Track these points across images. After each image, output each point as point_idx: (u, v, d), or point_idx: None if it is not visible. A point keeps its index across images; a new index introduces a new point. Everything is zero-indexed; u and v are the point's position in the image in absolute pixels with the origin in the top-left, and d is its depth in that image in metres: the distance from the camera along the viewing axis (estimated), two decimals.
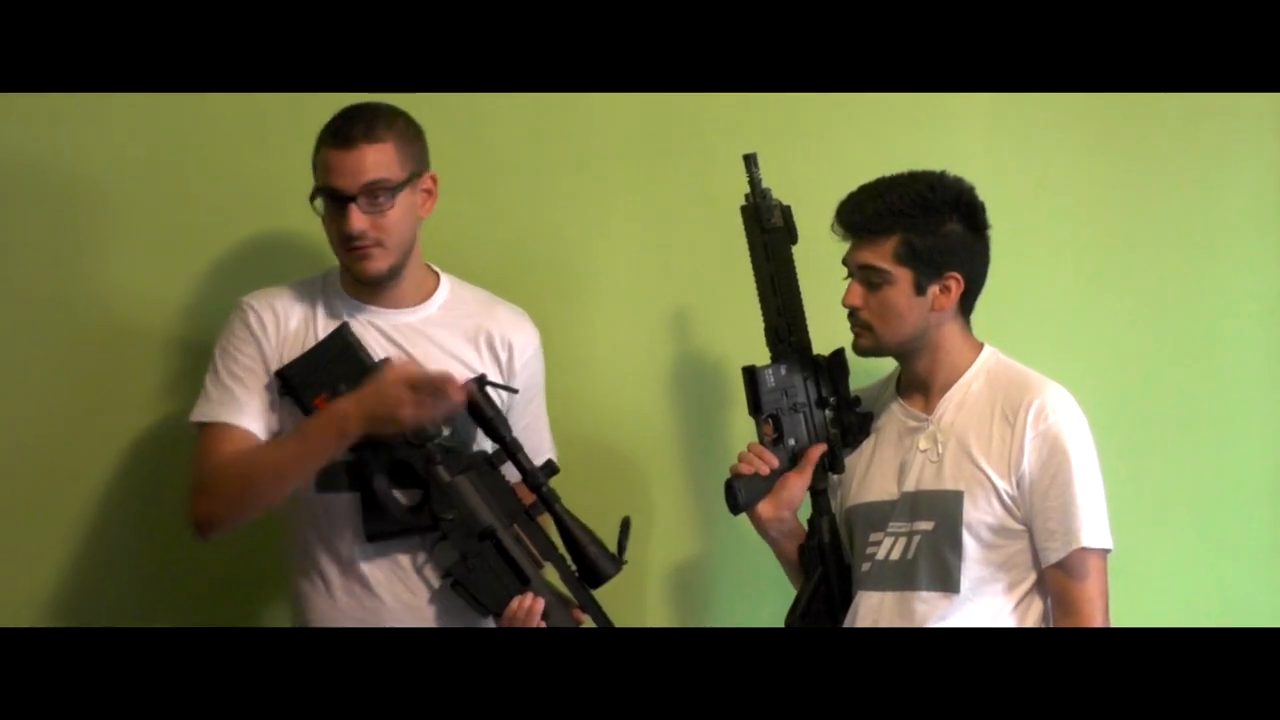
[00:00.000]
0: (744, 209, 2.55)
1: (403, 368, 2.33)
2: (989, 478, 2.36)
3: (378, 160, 2.35)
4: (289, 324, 2.41)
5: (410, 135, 2.41)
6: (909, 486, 2.42)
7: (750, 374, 2.53)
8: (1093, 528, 2.34)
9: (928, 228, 2.40)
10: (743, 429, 2.60)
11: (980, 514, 2.36)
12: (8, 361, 2.70)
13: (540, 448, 2.49)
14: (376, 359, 2.38)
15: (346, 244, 2.37)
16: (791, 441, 2.53)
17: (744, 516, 2.54)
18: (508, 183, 2.84)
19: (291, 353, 2.39)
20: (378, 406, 2.29)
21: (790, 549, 2.55)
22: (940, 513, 2.38)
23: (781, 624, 2.55)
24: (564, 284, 2.84)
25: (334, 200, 2.36)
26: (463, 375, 2.38)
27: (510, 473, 2.40)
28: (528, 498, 2.41)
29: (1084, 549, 2.33)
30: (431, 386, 2.30)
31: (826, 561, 2.51)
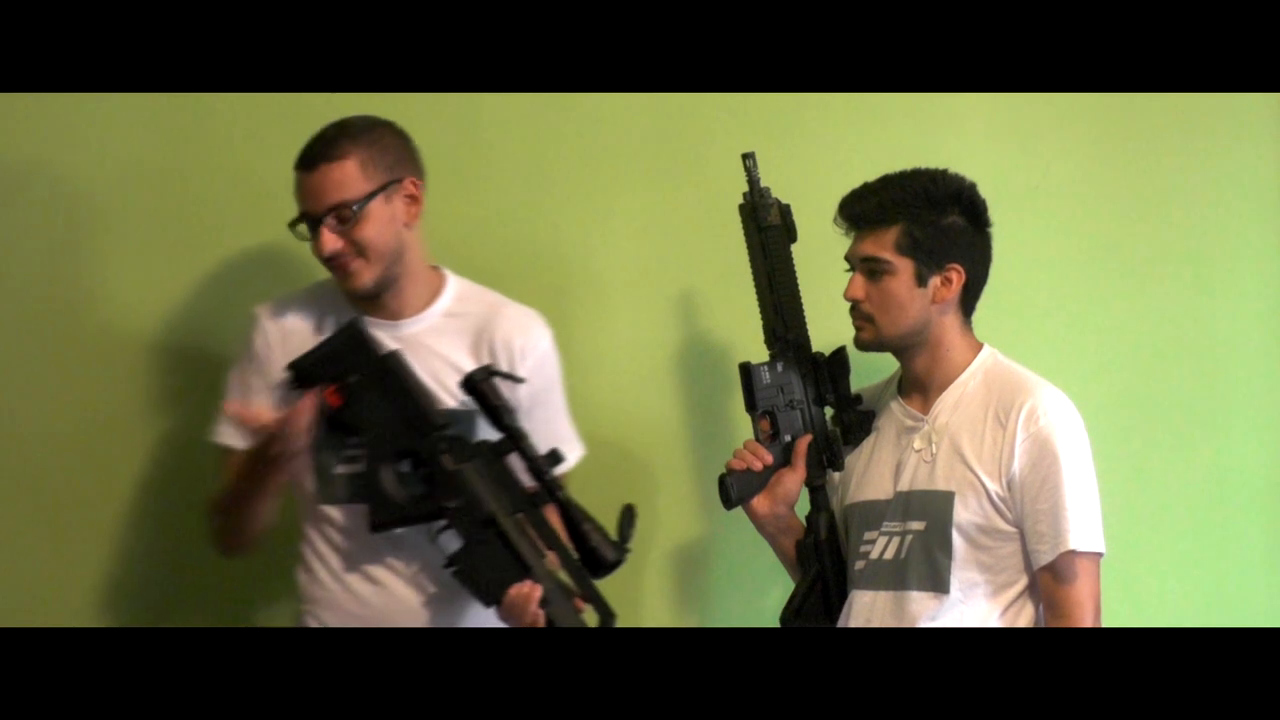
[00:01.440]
0: (742, 207, 2.56)
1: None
2: (979, 479, 2.37)
3: (338, 179, 2.36)
4: (299, 335, 2.42)
5: (381, 145, 2.39)
6: (903, 486, 2.43)
7: (745, 370, 2.54)
8: (1082, 531, 2.33)
9: (929, 219, 2.41)
10: (744, 425, 2.60)
11: (970, 515, 2.37)
12: (4, 364, 2.69)
13: (561, 446, 2.47)
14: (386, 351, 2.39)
15: (327, 264, 2.39)
16: (787, 438, 2.54)
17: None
18: (508, 183, 2.84)
19: None
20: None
21: (788, 545, 2.56)
22: (931, 513, 2.39)
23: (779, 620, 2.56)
24: (564, 283, 2.84)
25: (307, 223, 2.39)
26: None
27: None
28: (533, 488, 2.41)
29: (1072, 552, 2.33)
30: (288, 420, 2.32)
31: (823, 559, 2.52)
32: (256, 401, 2.39)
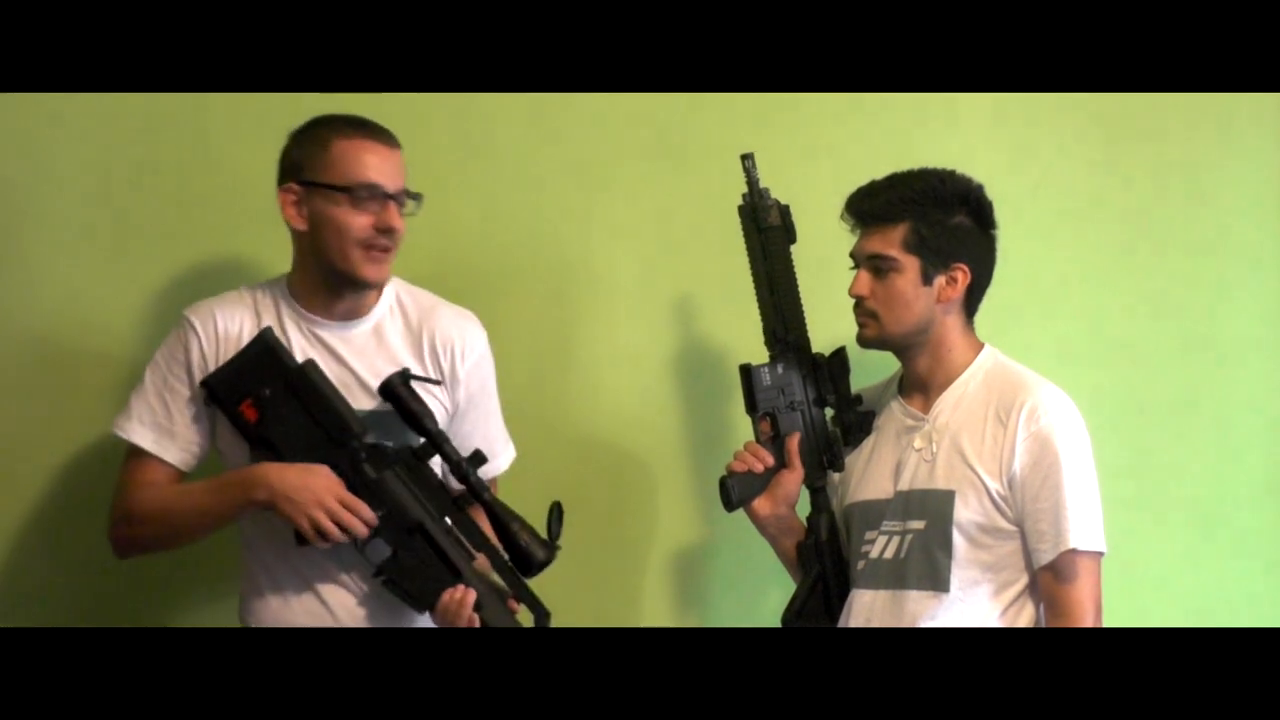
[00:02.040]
0: (741, 209, 2.56)
1: (338, 482, 2.32)
2: (980, 478, 2.37)
3: (404, 169, 2.38)
4: (232, 339, 2.39)
5: None
6: (903, 485, 2.43)
7: (746, 372, 2.54)
8: (1083, 530, 2.33)
9: (937, 218, 2.41)
10: (745, 427, 2.61)
11: (971, 514, 2.37)
12: None
13: (494, 448, 2.47)
14: (299, 361, 2.36)
15: (368, 242, 2.35)
16: (786, 439, 2.54)
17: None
18: (508, 183, 2.83)
19: None
20: (297, 494, 2.29)
21: (789, 546, 2.56)
22: (932, 512, 2.39)
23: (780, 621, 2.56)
24: (564, 284, 2.84)
25: (372, 196, 2.35)
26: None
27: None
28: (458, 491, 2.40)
29: (1073, 551, 2.32)
30: (353, 510, 2.30)
31: (824, 559, 2.52)
32: (177, 407, 2.36)
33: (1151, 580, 2.98)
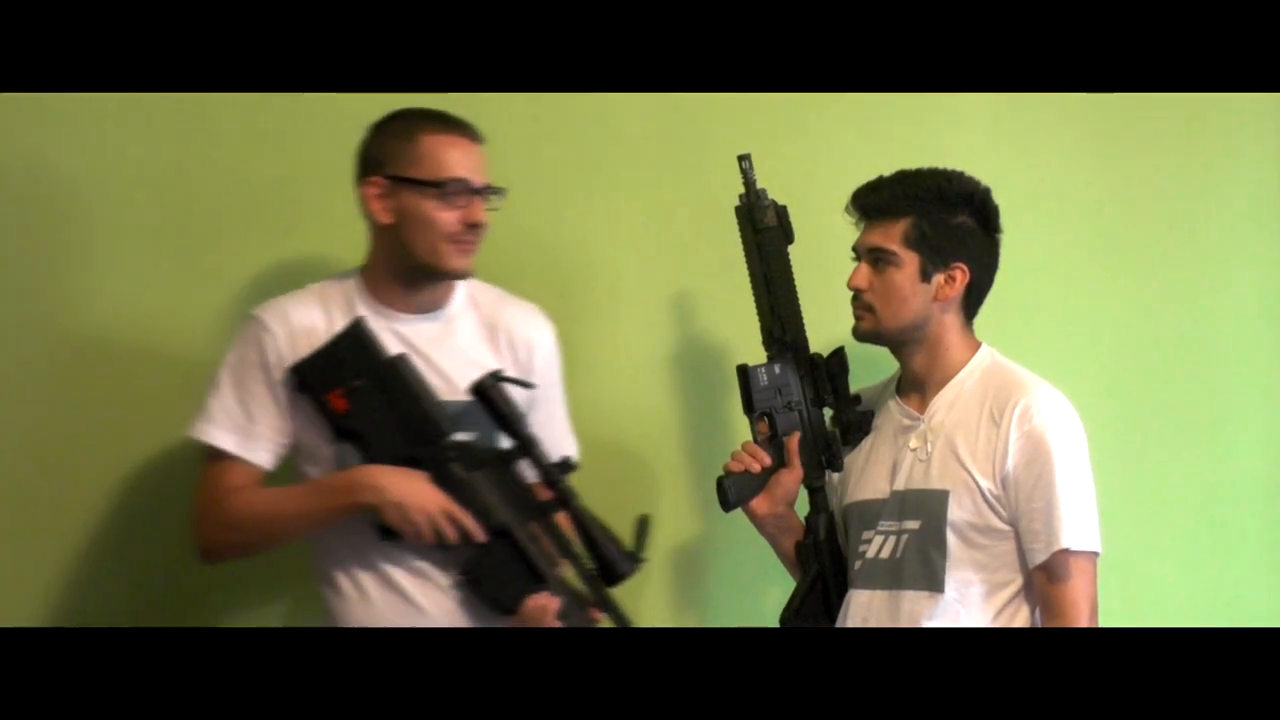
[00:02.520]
0: (738, 209, 2.57)
1: (440, 493, 2.31)
2: (974, 478, 2.36)
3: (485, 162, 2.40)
4: (307, 336, 2.36)
5: None
6: (899, 485, 2.43)
7: (742, 372, 2.55)
8: (1076, 529, 2.33)
9: (939, 216, 2.42)
10: (743, 427, 2.61)
11: (965, 514, 2.36)
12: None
13: (560, 445, 2.47)
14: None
15: (456, 237, 2.35)
16: (785, 439, 2.54)
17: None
18: (508, 183, 2.82)
19: None
20: (409, 499, 2.28)
21: (788, 546, 2.56)
22: (926, 512, 2.39)
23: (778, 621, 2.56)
24: (565, 284, 2.84)
25: (460, 191, 2.35)
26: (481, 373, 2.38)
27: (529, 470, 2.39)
28: (545, 495, 2.38)
29: (1066, 551, 2.32)
30: (461, 526, 2.31)
31: (822, 559, 2.52)
32: (257, 407, 2.34)
33: (1151, 580, 2.99)
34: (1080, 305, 2.99)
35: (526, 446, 2.35)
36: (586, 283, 2.86)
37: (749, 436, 2.57)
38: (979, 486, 2.36)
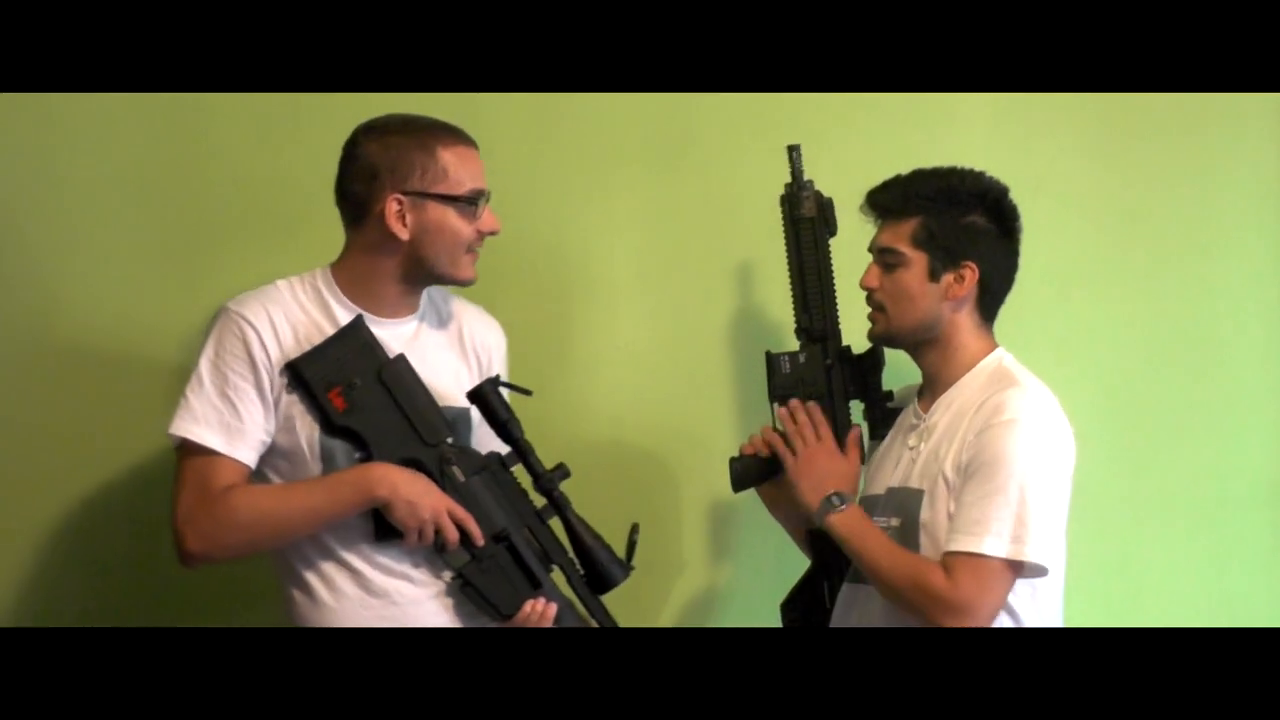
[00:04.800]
0: (781, 197, 2.56)
1: (445, 497, 2.31)
2: (946, 477, 2.35)
3: None
4: (289, 332, 2.34)
5: None
6: (893, 482, 2.43)
7: (767, 358, 2.53)
8: (973, 534, 2.26)
9: (949, 215, 2.40)
10: (746, 425, 2.61)
11: (935, 514, 2.35)
12: None
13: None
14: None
15: (474, 245, 2.38)
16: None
17: (762, 511, 2.57)
18: (509, 183, 2.82)
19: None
20: (419, 499, 2.28)
21: (799, 532, 2.56)
22: (905, 510, 2.39)
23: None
24: (565, 284, 2.84)
25: (477, 201, 2.37)
26: (459, 380, 2.39)
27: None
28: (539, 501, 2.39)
29: (954, 553, 2.26)
30: (464, 529, 2.31)
31: (827, 550, 2.51)
32: (243, 405, 2.31)
33: (1150, 580, 2.99)
34: (1080, 305, 2.99)
35: (524, 452, 2.36)
36: (587, 283, 2.86)
37: (748, 434, 2.57)
38: (949, 486, 2.35)
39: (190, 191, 2.73)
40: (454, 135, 2.38)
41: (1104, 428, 2.92)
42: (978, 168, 2.51)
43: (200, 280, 2.71)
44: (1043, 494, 2.28)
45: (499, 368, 2.48)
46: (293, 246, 2.71)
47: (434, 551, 2.32)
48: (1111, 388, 2.98)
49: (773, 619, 2.60)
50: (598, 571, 2.36)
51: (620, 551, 2.39)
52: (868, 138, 2.90)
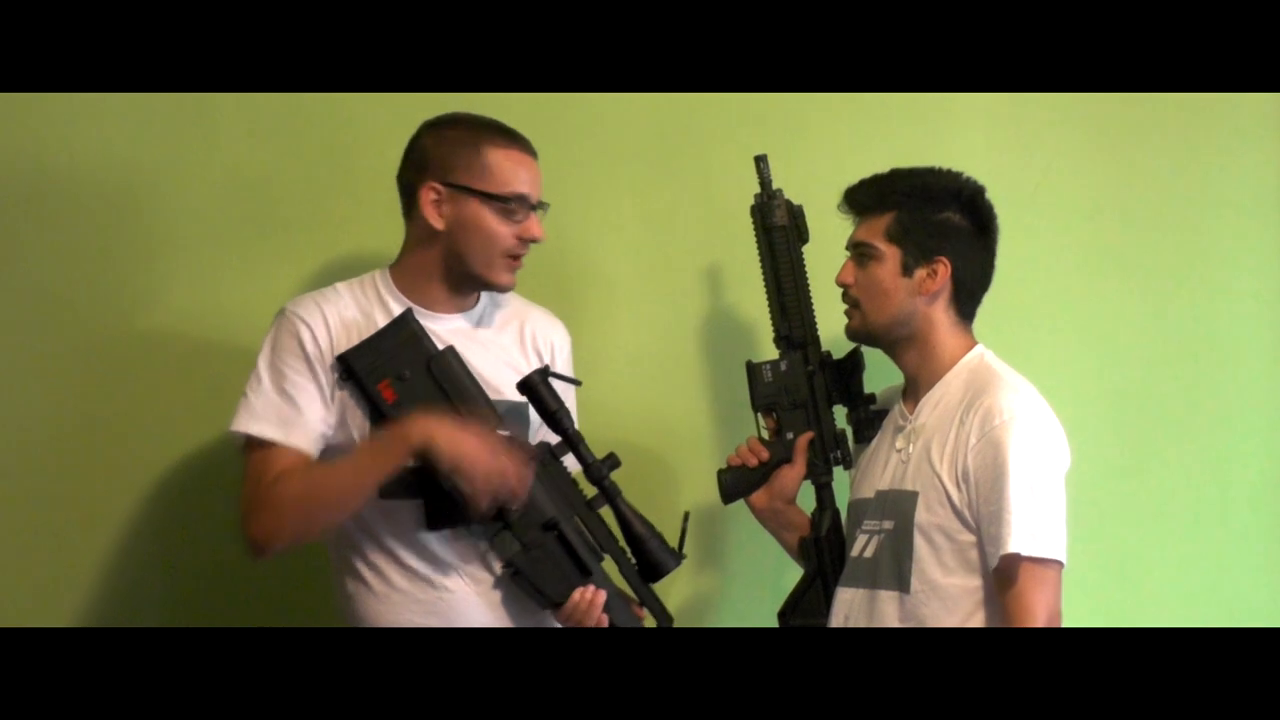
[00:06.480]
0: (752, 208, 2.58)
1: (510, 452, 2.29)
2: (940, 480, 2.35)
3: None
4: (343, 329, 2.36)
5: None
6: (883, 485, 2.44)
7: (748, 368, 2.56)
8: (1026, 535, 2.27)
9: (922, 211, 2.42)
10: (745, 426, 2.62)
11: (931, 516, 2.35)
12: (14, 364, 2.68)
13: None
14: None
15: (512, 251, 2.38)
16: (790, 435, 2.56)
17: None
18: None
19: None
20: (464, 442, 2.26)
21: (790, 540, 2.58)
22: (899, 513, 2.39)
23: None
24: (567, 284, 2.84)
25: (521, 207, 2.37)
26: (517, 375, 2.38)
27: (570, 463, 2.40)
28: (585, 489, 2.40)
29: (1016, 555, 2.27)
30: (520, 473, 2.29)
31: (822, 556, 2.52)
32: (301, 399, 2.32)
33: (1151, 580, 2.99)
34: (1079, 305, 2.99)
35: (574, 442, 2.37)
36: (588, 283, 2.86)
37: (746, 435, 2.57)
38: (944, 489, 2.35)
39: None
40: (508, 138, 2.39)
41: (1104, 428, 2.93)
42: (977, 168, 2.51)
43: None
44: (1049, 492, 2.31)
45: (561, 367, 2.49)
46: (292, 246, 2.71)
47: (486, 536, 2.32)
48: (1111, 388, 2.98)
49: (770, 622, 2.60)
50: (649, 560, 2.37)
51: (671, 540, 2.39)
52: (868, 138, 2.91)
